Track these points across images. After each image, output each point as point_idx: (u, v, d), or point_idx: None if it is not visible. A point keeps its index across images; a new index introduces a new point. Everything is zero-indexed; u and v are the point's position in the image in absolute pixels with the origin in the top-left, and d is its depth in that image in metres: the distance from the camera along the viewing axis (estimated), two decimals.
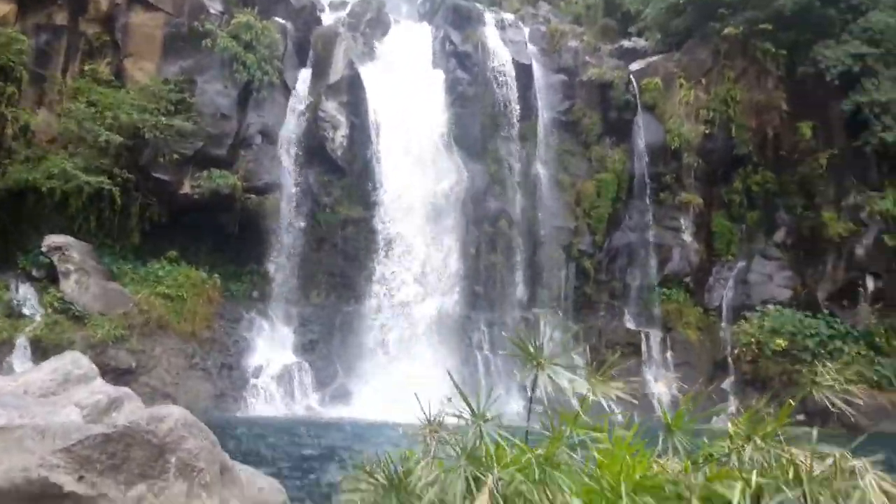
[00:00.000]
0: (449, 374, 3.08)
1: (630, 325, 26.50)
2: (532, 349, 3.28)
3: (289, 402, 22.42)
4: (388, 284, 24.90)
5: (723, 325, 25.88)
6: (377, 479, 2.83)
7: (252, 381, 22.61)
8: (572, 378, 3.47)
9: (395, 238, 24.84)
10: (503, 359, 25.53)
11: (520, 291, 26.35)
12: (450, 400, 2.93)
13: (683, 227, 26.81)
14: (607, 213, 26.36)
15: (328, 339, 24.44)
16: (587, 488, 2.85)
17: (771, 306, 24.66)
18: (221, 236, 24.13)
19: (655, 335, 26.06)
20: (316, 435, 15.61)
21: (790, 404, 2.85)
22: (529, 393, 3.29)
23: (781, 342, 23.56)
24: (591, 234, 26.51)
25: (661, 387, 25.34)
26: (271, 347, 23.74)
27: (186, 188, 22.95)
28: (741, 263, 26.19)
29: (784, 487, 2.54)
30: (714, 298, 26.38)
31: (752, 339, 24.04)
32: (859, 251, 24.63)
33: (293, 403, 22.40)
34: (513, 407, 23.59)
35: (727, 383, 25.07)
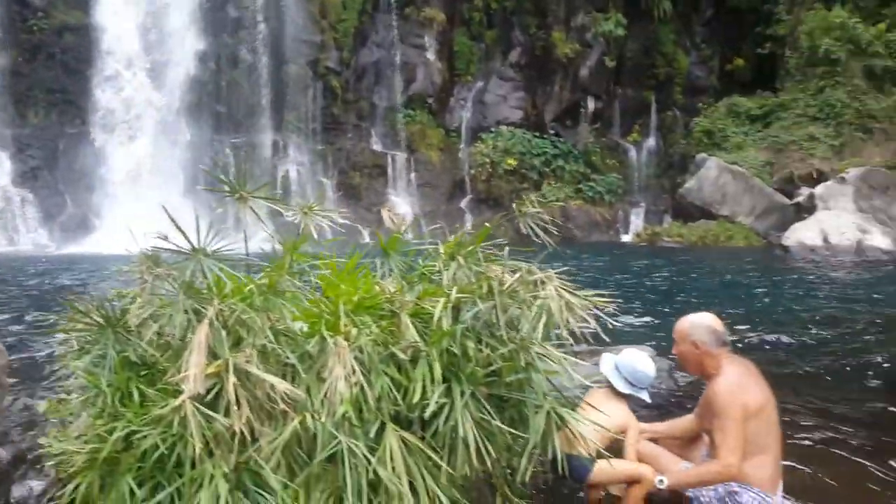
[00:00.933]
0: (164, 209, 2.99)
1: (377, 146, 26.99)
2: (233, 183, 3.23)
3: (12, 236, 20.53)
4: (118, 101, 22.93)
5: (462, 145, 27.21)
6: (93, 318, 2.77)
7: None
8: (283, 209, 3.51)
9: (121, 48, 22.61)
10: (251, 185, 25.03)
11: (266, 112, 25.55)
12: (167, 238, 2.86)
13: (427, 45, 27.07)
14: (353, 27, 25.80)
15: (52, 166, 22.29)
16: (308, 312, 3.02)
17: (504, 127, 26.22)
18: None
19: (400, 157, 26.85)
20: (44, 273, 14.48)
21: (487, 227, 3.14)
22: (244, 233, 3.26)
23: (512, 162, 25.39)
24: (338, 49, 25.96)
25: (404, 207, 26.55)
26: None
27: None
28: (479, 84, 27.28)
29: (478, 301, 2.87)
30: (454, 119, 27.49)
31: (487, 160, 25.63)
32: (583, 72, 26.59)
33: (18, 238, 20.56)
34: (262, 235, 23.45)
35: (465, 202, 26.81)
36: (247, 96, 25.19)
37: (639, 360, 3.61)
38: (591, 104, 27.08)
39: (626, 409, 3.54)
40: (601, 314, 3.12)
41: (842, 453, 4.29)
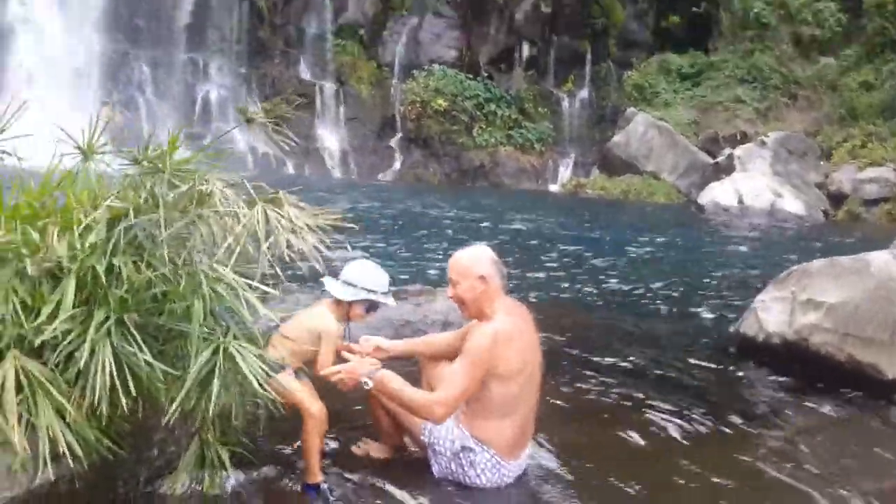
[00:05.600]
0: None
1: (305, 75, 26.04)
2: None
3: None
4: (27, 12, 21.60)
5: (394, 81, 26.40)
6: None
7: None
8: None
9: None
10: (169, 104, 24.02)
11: (186, 29, 24.35)
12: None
13: None
14: None
15: None
16: None
17: (437, 66, 25.47)
18: None
19: (329, 88, 25.97)
20: None
21: (175, 136, 2.68)
22: None
23: (442, 102, 24.72)
24: None
25: (331, 141, 25.83)
26: None
27: None
28: (414, 20, 26.38)
29: (133, 212, 2.43)
30: (387, 54, 26.62)
31: (418, 98, 24.92)
32: (519, 16, 25.88)
33: None
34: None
35: (394, 140, 26.15)
36: (168, 11, 23.96)
37: (358, 263, 3.18)
38: (525, 49, 26.44)
39: (328, 315, 3.08)
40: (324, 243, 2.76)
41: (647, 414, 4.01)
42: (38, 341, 2.27)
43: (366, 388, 2.89)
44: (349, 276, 3.09)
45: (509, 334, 2.86)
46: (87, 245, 2.38)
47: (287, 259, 2.77)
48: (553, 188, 25.35)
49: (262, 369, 2.48)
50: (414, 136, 25.67)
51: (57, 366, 2.34)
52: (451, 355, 3.16)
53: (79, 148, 2.77)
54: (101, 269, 2.35)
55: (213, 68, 24.88)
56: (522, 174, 25.59)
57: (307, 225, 2.86)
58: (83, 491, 2.42)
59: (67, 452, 2.25)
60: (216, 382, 2.41)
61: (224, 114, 24.77)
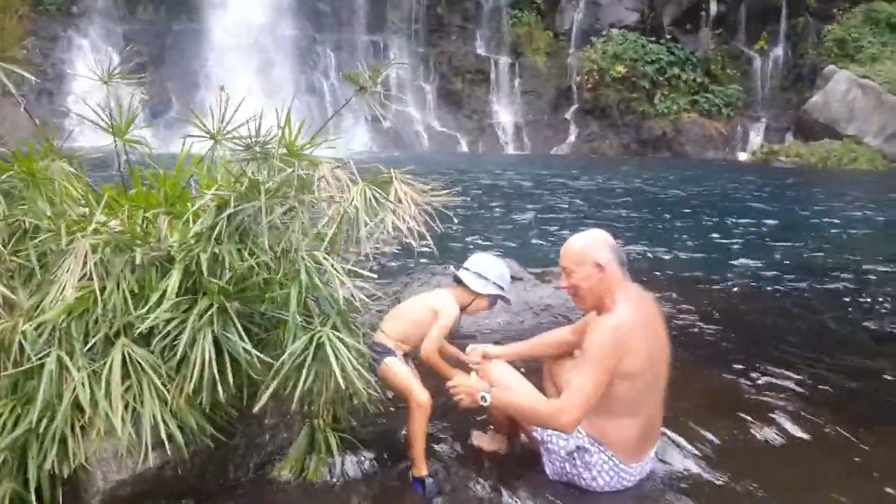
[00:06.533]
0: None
1: (481, 50, 26.03)
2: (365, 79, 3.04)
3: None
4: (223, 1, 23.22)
5: (571, 50, 25.72)
6: None
7: (75, 108, 21.34)
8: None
9: None
10: (351, 87, 24.84)
11: (367, 11, 25.12)
12: None
13: None
14: None
15: (159, 63, 22.90)
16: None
17: (615, 31, 24.48)
18: None
19: (504, 62, 25.81)
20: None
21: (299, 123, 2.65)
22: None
23: (621, 69, 23.75)
24: None
25: (505, 116, 25.70)
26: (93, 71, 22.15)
27: None
28: None
29: (236, 199, 2.44)
30: (565, 21, 25.95)
31: (595, 66, 24.11)
32: None
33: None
34: (361, 139, 23.67)
35: (570, 112, 25.53)
36: None
37: (488, 256, 3.16)
38: (713, 7, 24.68)
39: (451, 300, 3.02)
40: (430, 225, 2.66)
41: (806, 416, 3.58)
42: (142, 328, 2.35)
43: (483, 403, 2.72)
44: (481, 268, 3.05)
45: (632, 327, 2.59)
46: (192, 234, 2.43)
47: (402, 242, 2.71)
48: (742, 156, 23.71)
49: (352, 362, 2.42)
50: (590, 107, 24.94)
51: (162, 352, 2.42)
52: (568, 353, 2.97)
53: (208, 132, 2.82)
54: (204, 257, 2.39)
55: (392, 49, 25.49)
56: (708, 142, 24.14)
57: (415, 204, 2.77)
58: (189, 476, 2.49)
59: (166, 440, 2.31)
60: (306, 372, 2.39)
61: (402, 94, 25.31)
